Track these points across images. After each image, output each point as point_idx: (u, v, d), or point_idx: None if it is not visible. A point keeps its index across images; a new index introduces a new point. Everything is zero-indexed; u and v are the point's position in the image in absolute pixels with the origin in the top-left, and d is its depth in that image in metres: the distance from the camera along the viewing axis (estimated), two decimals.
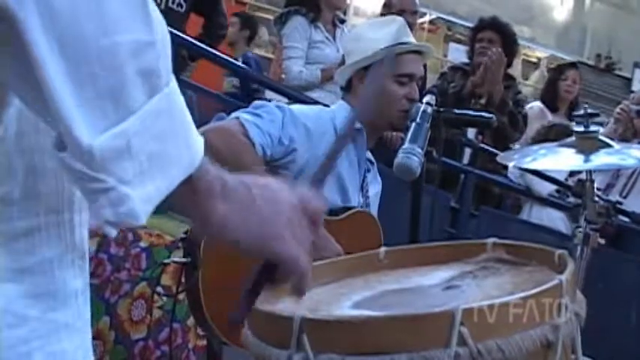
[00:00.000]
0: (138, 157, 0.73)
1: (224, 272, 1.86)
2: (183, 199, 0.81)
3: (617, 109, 4.72)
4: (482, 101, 4.48)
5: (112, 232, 0.75)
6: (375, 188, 2.49)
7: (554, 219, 4.49)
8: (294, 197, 0.93)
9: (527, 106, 5.31)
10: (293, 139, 2.17)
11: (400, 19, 2.50)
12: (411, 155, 1.73)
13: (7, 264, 0.81)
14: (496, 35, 4.63)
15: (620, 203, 4.33)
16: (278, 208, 0.90)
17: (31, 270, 0.83)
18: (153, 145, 0.74)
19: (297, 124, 2.19)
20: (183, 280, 2.09)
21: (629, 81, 10.60)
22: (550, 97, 5.25)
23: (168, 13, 4.12)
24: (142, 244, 2.91)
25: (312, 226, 0.94)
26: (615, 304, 4.05)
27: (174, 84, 0.77)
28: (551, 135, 4.40)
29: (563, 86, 5.18)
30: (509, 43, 4.65)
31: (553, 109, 5.18)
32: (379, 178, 2.53)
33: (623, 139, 4.58)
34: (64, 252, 0.87)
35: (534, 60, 10.99)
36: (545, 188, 4.47)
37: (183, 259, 2.04)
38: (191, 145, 0.79)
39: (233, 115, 2.18)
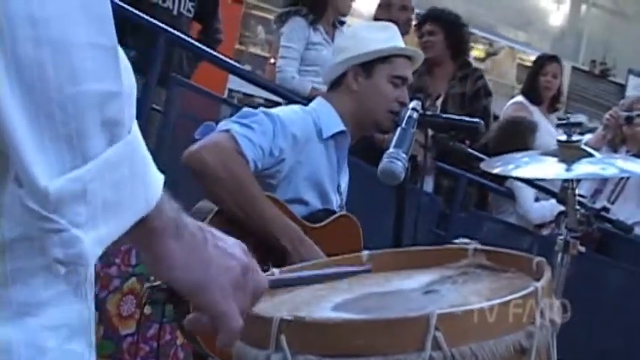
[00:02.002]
0: (93, 202, 0.74)
1: None
2: (136, 237, 0.82)
3: (606, 116, 4.68)
4: (438, 103, 4.29)
5: (61, 270, 0.77)
6: (344, 181, 2.50)
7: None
8: (247, 261, 0.93)
9: (510, 102, 5.20)
10: (282, 150, 2.16)
11: (394, 26, 2.52)
12: (395, 160, 1.73)
13: (27, 299, 0.82)
14: (436, 26, 4.38)
15: (608, 209, 4.34)
16: (229, 262, 0.90)
17: (48, 303, 0.84)
18: (109, 191, 0.75)
19: (287, 133, 2.18)
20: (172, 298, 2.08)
21: (623, 87, 10.60)
22: (531, 90, 5.10)
23: (179, 18, 4.17)
24: None
25: (252, 297, 0.93)
26: (601, 310, 4.08)
27: (135, 129, 0.79)
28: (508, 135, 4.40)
29: (543, 81, 5.05)
30: (452, 29, 4.38)
31: (536, 103, 5.04)
32: (347, 169, 2.51)
33: (612, 145, 4.59)
34: (79, 284, 0.88)
35: (529, 64, 10.99)
36: (542, 217, 4.41)
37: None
38: (149, 186, 0.81)
39: (222, 125, 2.16)
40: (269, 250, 2.09)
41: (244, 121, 2.14)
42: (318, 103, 2.44)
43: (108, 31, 0.75)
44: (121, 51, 0.77)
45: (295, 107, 2.43)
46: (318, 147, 2.30)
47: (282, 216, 2.12)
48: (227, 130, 2.11)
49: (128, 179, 0.77)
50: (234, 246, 0.93)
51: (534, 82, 5.09)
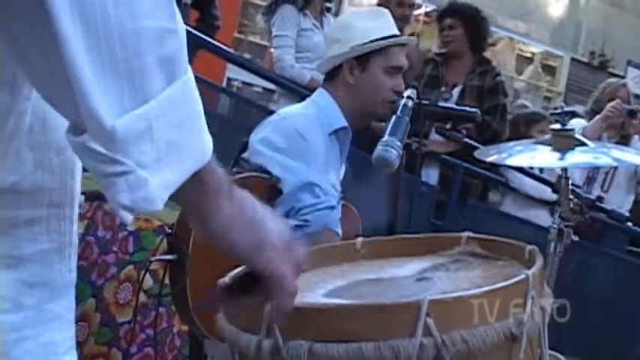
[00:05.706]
0: (158, 142, 0.72)
1: (212, 269, 1.86)
2: (192, 193, 0.79)
3: (609, 107, 4.55)
4: (455, 91, 4.31)
5: (128, 219, 0.73)
6: (342, 172, 2.49)
7: (539, 215, 4.48)
8: (289, 232, 0.91)
9: None
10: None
11: (385, 11, 2.50)
12: (389, 148, 1.74)
13: (7, 250, 0.83)
14: (456, 20, 4.40)
15: (602, 198, 4.34)
16: (280, 227, 0.89)
17: (31, 259, 0.85)
18: (171, 131, 0.73)
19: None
20: (168, 275, 2.09)
21: (622, 79, 10.62)
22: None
23: (177, 6, 4.17)
24: (130, 227, 2.92)
25: (298, 265, 0.91)
26: (593, 297, 4.09)
27: (190, 73, 0.76)
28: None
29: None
30: (472, 23, 4.41)
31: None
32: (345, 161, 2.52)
33: (609, 136, 4.56)
34: (63, 245, 0.89)
35: (529, 55, 10.98)
36: (541, 192, 4.40)
37: (169, 257, 2.02)
38: (203, 137, 0.78)
39: None
40: None
41: None
42: (320, 96, 2.42)
43: None
44: None
45: (308, 113, 2.37)
46: (325, 139, 2.31)
47: None
48: None
49: (186, 122, 0.75)
50: (279, 218, 0.91)
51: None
